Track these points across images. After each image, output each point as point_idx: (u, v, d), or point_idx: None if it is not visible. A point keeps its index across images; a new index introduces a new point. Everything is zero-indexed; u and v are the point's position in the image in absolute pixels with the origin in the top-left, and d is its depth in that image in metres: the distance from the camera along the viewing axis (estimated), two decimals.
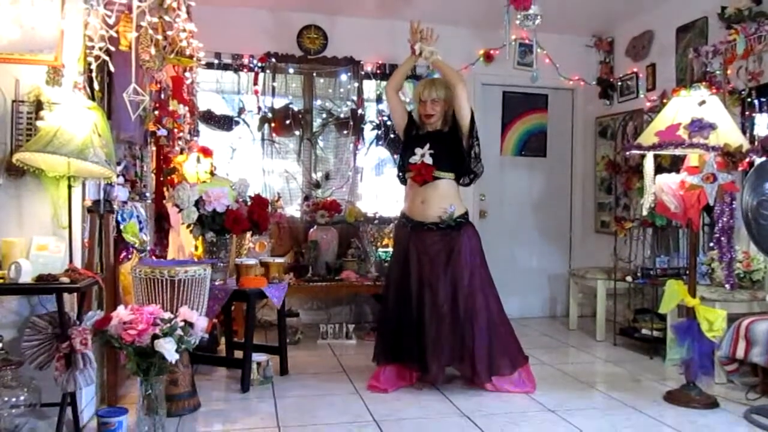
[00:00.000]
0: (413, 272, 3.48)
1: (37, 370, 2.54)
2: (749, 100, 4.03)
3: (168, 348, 2.54)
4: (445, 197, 3.53)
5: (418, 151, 3.54)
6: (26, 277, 2.46)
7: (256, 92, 5.29)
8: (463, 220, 3.56)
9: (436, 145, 3.54)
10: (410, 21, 3.74)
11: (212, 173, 4.39)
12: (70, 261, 2.68)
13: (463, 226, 3.54)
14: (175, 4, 3.24)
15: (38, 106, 2.64)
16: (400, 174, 3.73)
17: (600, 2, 5.14)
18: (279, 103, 5.37)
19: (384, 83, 5.41)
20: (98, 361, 2.84)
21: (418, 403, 3.31)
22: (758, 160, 3.37)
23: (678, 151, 3.35)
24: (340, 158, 5.51)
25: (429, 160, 3.50)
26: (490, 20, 5.08)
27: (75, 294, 2.59)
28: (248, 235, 4.48)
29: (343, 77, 5.46)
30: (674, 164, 4.05)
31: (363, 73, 5.46)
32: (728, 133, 3.19)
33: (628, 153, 4.00)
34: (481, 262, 3.54)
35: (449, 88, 3.57)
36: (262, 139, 5.34)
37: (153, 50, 3.11)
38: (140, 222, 3.29)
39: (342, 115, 5.48)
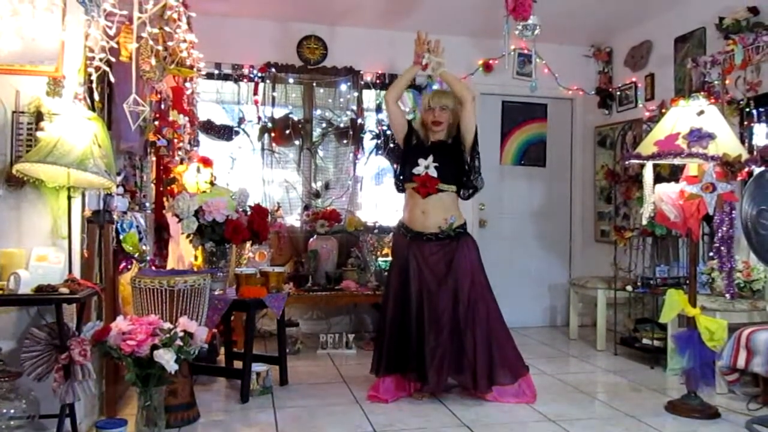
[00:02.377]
0: (412, 282, 3.48)
1: (35, 381, 2.53)
2: (748, 109, 4.05)
3: (167, 358, 2.54)
4: (446, 208, 3.54)
5: (422, 162, 3.54)
6: (25, 288, 2.45)
7: (256, 102, 5.31)
8: (461, 230, 3.57)
9: (440, 157, 3.54)
10: (418, 31, 3.71)
11: (212, 183, 4.40)
12: (70, 272, 2.67)
13: (462, 237, 3.56)
14: (175, 15, 3.26)
15: (38, 116, 2.64)
16: (399, 183, 3.72)
17: (598, 13, 5.16)
18: (279, 112, 5.39)
19: (383, 93, 5.45)
20: (97, 372, 2.83)
21: (418, 413, 3.30)
22: (757, 170, 3.37)
23: (677, 161, 3.36)
24: (339, 168, 5.52)
25: (434, 173, 3.51)
26: (489, 30, 5.11)
27: (74, 305, 2.59)
28: (248, 244, 4.48)
29: (343, 87, 5.48)
30: (673, 174, 4.06)
31: (362, 82, 5.48)
32: (727, 142, 3.20)
33: (627, 162, 4.01)
34: (480, 272, 3.54)
35: (456, 99, 3.59)
36: (262, 149, 5.35)
37: (153, 61, 3.13)
38: (140, 232, 3.29)
39: (342, 125, 5.49)
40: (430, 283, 3.46)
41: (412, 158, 3.59)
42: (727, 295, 3.40)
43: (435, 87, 4.83)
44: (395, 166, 3.85)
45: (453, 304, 3.44)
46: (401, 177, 3.68)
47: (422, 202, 3.54)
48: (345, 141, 5.48)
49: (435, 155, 3.54)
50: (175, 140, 4.09)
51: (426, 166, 3.53)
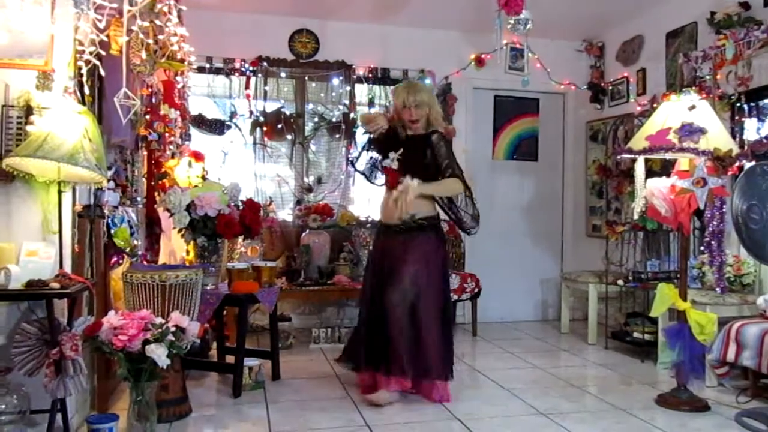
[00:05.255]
0: (376, 277, 3.47)
1: (26, 376, 2.52)
2: (739, 104, 4.06)
3: (159, 353, 2.52)
4: (416, 200, 3.31)
5: (392, 154, 3.53)
6: (16, 283, 2.44)
7: (247, 96, 5.28)
8: (425, 222, 3.43)
9: (408, 151, 3.48)
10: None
11: (204, 177, 4.38)
12: (60, 267, 2.66)
13: (426, 229, 3.43)
14: (166, 8, 3.24)
15: (28, 110, 2.62)
16: (375, 174, 3.71)
17: (590, 7, 5.17)
18: (271, 107, 5.36)
19: (376, 87, 5.47)
20: (89, 367, 2.82)
21: (409, 408, 3.31)
22: (748, 165, 3.40)
23: (668, 156, 3.37)
24: (332, 162, 5.51)
25: (395, 166, 3.47)
26: (481, 25, 5.10)
27: (65, 300, 2.57)
28: (240, 239, 4.47)
29: (335, 81, 5.46)
30: (665, 168, 4.07)
31: (355, 77, 5.46)
32: (718, 137, 3.22)
33: (619, 157, 4.03)
34: (430, 265, 3.38)
35: (429, 91, 3.59)
36: (254, 144, 5.33)
37: (144, 54, 3.10)
38: (131, 227, 3.28)
39: (334, 119, 5.48)
40: (386, 275, 3.38)
41: (386, 150, 3.56)
42: (718, 289, 3.42)
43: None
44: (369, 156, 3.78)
45: (401, 295, 3.30)
46: (375, 167, 3.68)
47: (392, 194, 3.41)
48: (337, 135, 5.47)
49: (405, 149, 3.49)
50: (167, 134, 4.07)
51: (392, 159, 3.51)
